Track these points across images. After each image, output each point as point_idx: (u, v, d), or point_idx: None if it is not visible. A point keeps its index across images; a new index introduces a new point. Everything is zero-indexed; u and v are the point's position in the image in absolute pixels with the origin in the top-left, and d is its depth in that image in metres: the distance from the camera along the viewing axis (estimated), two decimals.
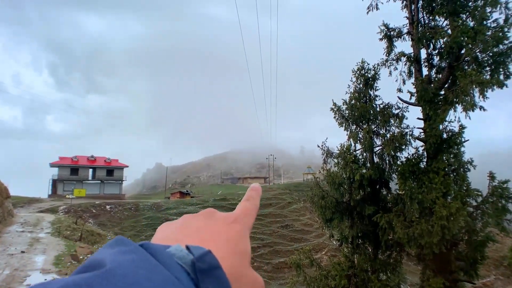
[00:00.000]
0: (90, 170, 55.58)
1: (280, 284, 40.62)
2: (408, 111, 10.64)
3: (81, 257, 9.57)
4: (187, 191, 64.28)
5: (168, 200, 53.44)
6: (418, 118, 10.09)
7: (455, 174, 8.62)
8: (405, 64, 11.05)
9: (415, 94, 10.01)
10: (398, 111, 10.68)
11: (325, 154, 11.87)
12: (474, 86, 7.79)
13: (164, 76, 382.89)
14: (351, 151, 10.63)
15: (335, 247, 46.20)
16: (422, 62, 10.41)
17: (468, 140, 8.96)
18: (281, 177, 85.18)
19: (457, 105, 8.66)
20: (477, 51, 8.30)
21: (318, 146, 11.98)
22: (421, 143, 9.87)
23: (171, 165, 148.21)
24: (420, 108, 10.18)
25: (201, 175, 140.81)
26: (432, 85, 9.62)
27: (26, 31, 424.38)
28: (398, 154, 9.99)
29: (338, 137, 11.88)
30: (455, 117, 8.87)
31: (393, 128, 10.59)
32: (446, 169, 8.56)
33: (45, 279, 7.61)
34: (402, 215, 8.66)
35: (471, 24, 8.56)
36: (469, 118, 8.44)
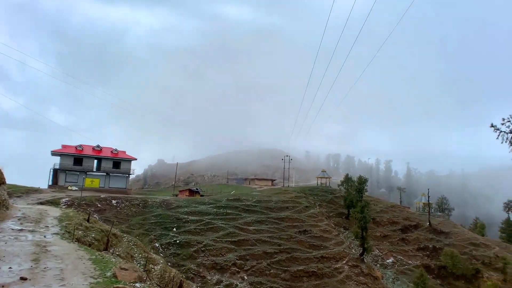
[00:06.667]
0: (95, 161, 51.92)
1: None
2: None
3: None
4: (197, 189, 60.60)
5: (178, 198, 49.87)
6: None
7: None
8: None
9: None
10: None
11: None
12: None
13: (173, 74, 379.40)
14: None
15: (356, 257, 42.71)
16: None
17: None
18: (289, 180, 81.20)
19: None
20: None
21: (492, 126, 8.27)
22: None
23: (173, 162, 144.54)
24: None
25: (205, 174, 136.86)
26: None
27: (35, 18, 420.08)
28: None
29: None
30: None
31: None
32: None
33: None
34: None
35: None
36: None
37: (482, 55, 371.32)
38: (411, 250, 46.28)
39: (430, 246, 46.42)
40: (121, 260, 8.51)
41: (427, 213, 56.50)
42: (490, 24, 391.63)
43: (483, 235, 57.03)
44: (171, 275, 12.66)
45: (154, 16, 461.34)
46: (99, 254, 8.28)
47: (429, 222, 51.88)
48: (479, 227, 62.39)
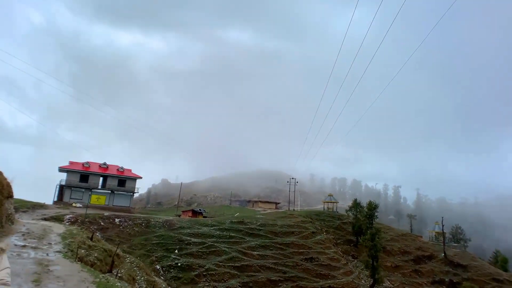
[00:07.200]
0: (101, 179, 51.83)
1: None
2: None
3: None
4: (200, 210, 59.53)
5: (181, 218, 48.88)
6: None
7: None
8: None
9: None
10: None
11: None
12: None
13: (178, 96, 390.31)
14: None
15: None
16: None
17: None
18: (293, 203, 79.37)
19: None
20: None
21: None
22: None
23: (176, 182, 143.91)
24: None
25: (208, 195, 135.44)
26: None
27: (54, 40, 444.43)
28: None
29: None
30: None
31: None
32: None
33: None
34: None
35: None
36: None
37: (493, 81, 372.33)
38: (425, 283, 43.49)
39: (447, 279, 43.48)
40: (127, 284, 7.98)
41: (442, 243, 53.70)
42: (497, 51, 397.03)
43: (505, 270, 52.82)
44: None
45: (162, 39, 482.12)
46: (103, 276, 7.80)
47: (444, 253, 49.14)
48: (501, 261, 58.02)
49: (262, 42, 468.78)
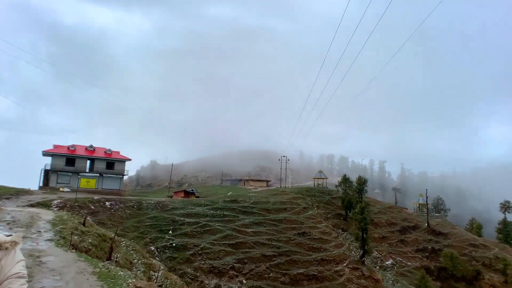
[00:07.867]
0: (88, 162, 50.21)
1: None
2: None
3: None
4: (192, 190, 59.40)
5: (173, 199, 48.70)
6: None
7: None
8: None
9: None
10: None
11: None
12: None
13: (168, 75, 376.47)
14: None
15: (356, 259, 42.26)
16: None
17: None
18: (284, 180, 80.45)
19: None
20: None
21: None
22: None
23: (166, 163, 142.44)
24: None
25: (199, 175, 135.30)
26: None
27: (27, 17, 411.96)
28: None
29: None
30: None
31: None
32: None
33: None
34: None
35: None
36: None
37: (475, 59, 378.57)
38: (410, 252, 46.05)
39: (429, 247, 46.29)
40: (129, 272, 7.55)
41: (425, 214, 56.42)
42: (473, 34, 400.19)
43: (479, 236, 57.23)
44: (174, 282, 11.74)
45: (147, 18, 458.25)
46: (103, 265, 7.32)
47: (428, 223, 51.79)
48: (476, 228, 62.31)
49: (247, 20, 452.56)
